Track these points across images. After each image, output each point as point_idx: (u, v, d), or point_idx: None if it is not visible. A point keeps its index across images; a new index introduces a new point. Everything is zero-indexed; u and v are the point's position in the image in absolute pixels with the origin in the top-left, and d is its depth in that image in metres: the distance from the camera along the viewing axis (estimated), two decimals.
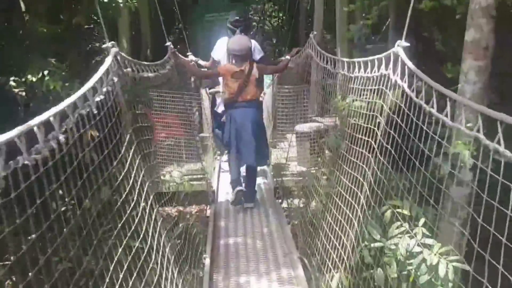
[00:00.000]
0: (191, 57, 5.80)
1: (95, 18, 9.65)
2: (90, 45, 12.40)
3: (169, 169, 6.28)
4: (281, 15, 16.72)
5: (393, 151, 2.41)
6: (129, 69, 2.91)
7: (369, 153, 2.71)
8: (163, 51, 6.28)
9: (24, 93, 4.40)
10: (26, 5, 4.94)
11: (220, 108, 5.71)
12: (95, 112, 2.03)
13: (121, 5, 4.95)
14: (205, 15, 11.68)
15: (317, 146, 6.41)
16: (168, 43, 4.64)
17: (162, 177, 5.97)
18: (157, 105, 5.99)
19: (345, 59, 3.31)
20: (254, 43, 5.60)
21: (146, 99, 5.00)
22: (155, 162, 6.27)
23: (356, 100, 3.09)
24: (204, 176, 6.27)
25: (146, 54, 6.43)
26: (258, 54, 5.73)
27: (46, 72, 4.26)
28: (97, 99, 2.08)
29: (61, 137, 1.62)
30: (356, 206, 2.85)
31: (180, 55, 5.18)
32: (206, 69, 5.78)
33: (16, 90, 4.31)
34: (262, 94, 6.26)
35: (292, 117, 6.96)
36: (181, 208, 5.94)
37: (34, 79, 4.09)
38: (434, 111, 1.95)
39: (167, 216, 5.70)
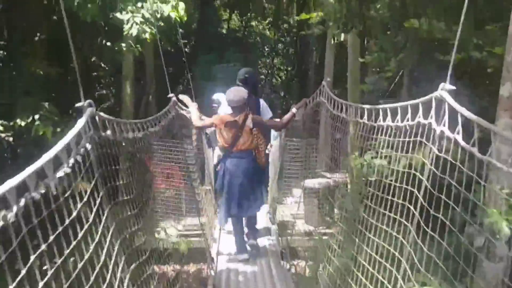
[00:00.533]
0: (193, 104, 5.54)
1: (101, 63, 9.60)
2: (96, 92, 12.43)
3: (166, 224, 5.89)
4: (289, 68, 16.71)
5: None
6: (108, 132, 2.37)
7: (405, 219, 2.26)
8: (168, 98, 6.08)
9: (11, 138, 4.08)
10: (24, 45, 4.73)
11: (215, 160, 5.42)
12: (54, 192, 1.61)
13: (124, 49, 4.72)
14: (215, 65, 11.59)
15: (326, 204, 6.00)
16: (171, 95, 4.37)
17: (156, 234, 5.57)
18: (158, 154, 5.67)
19: (367, 106, 2.93)
20: (262, 103, 5.40)
21: (144, 146, 4.74)
22: (150, 214, 5.95)
23: (382, 154, 2.69)
24: (204, 232, 5.82)
25: (148, 100, 6.16)
26: (266, 115, 5.43)
27: (36, 117, 3.95)
28: (59, 174, 1.66)
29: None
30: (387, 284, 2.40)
31: (182, 106, 4.88)
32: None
33: (3, 135, 3.99)
34: (268, 147, 5.91)
35: (300, 171, 6.58)
36: (178, 267, 5.47)
37: (23, 123, 3.77)
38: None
39: (162, 275, 5.24)
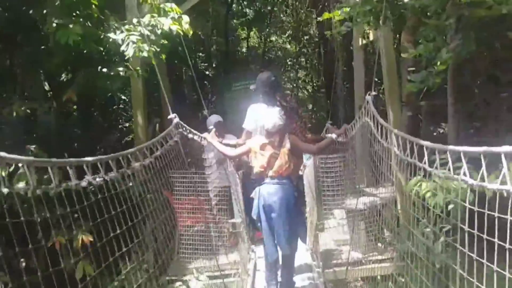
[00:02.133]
0: (212, 135, 4.91)
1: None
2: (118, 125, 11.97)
3: (195, 265, 5.24)
4: (315, 80, 16.06)
5: None
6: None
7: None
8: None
9: None
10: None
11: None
12: None
13: (122, 74, 4.13)
14: (233, 83, 11.05)
15: (375, 227, 5.23)
16: (171, 116, 3.78)
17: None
18: (178, 188, 5.06)
19: (426, 143, 2.14)
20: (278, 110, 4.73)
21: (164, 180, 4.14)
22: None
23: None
24: (238, 271, 5.14)
25: (154, 129, 5.52)
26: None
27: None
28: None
29: None
30: None
31: (191, 129, 4.26)
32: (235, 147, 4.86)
33: None
34: (301, 167, 5.21)
35: (339, 190, 5.82)
36: None
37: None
38: None
39: None
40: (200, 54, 14.91)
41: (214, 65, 15.66)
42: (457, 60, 3.37)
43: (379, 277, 5.22)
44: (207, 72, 15.11)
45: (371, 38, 6.62)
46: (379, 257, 5.16)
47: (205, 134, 4.62)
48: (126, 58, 4.40)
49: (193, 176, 4.95)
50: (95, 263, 2.86)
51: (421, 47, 3.60)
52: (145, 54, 4.08)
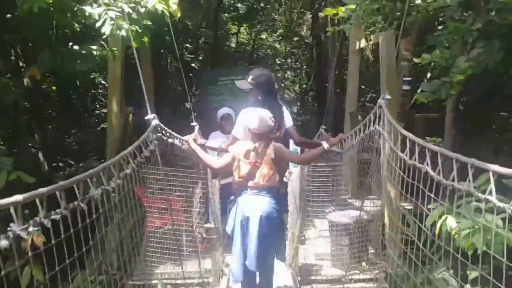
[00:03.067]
0: (195, 134, 4.38)
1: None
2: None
3: (162, 270, 4.79)
4: (303, 82, 15.73)
5: None
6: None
7: None
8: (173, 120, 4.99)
9: None
10: None
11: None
12: None
13: (96, 53, 3.64)
14: (219, 78, 10.59)
15: (360, 244, 4.86)
16: (149, 116, 3.22)
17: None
18: (152, 184, 4.60)
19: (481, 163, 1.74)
20: (284, 108, 4.25)
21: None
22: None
23: None
24: (209, 280, 4.72)
25: (127, 122, 4.97)
26: (289, 121, 4.34)
27: None
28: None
29: None
30: None
31: (171, 132, 3.73)
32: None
33: None
34: (286, 174, 4.80)
35: (324, 199, 5.44)
36: None
37: None
38: None
39: None
40: (188, 45, 14.44)
41: (200, 58, 15.20)
42: (477, 71, 3.01)
43: None
44: (193, 65, 14.65)
45: (371, 41, 6.26)
46: (362, 277, 4.79)
47: (187, 137, 4.02)
48: (104, 37, 3.91)
49: (167, 173, 4.51)
50: (47, 267, 2.42)
51: (436, 53, 3.22)
52: (123, 33, 3.58)
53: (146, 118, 3.11)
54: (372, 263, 4.86)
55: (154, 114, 3.17)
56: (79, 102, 11.26)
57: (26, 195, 1.70)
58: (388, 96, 2.98)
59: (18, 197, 1.65)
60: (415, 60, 3.53)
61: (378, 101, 3.05)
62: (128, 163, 2.44)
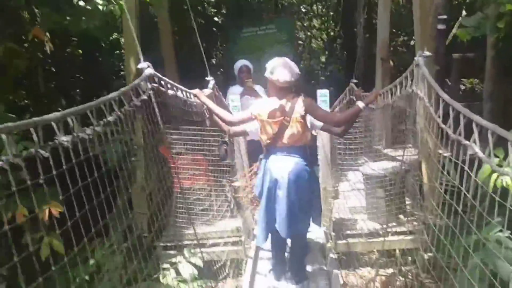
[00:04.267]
0: (208, 89, 4.05)
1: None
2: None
3: (192, 231, 4.71)
4: (330, 30, 15.11)
5: None
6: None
7: None
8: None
9: None
10: None
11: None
12: None
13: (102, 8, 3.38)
14: (243, 30, 10.22)
15: (396, 195, 4.63)
16: (143, 64, 2.82)
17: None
18: (174, 144, 4.45)
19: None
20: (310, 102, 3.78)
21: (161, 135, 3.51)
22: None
23: None
24: (241, 239, 4.62)
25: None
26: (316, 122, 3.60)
27: None
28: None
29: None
30: None
31: (172, 83, 3.32)
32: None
33: None
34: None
35: (357, 151, 5.19)
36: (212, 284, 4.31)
37: None
38: None
39: None
40: None
41: (223, 11, 14.75)
42: None
43: (397, 251, 4.70)
44: (216, 19, 14.24)
45: None
46: (400, 229, 4.59)
47: (195, 91, 3.66)
48: None
49: (191, 131, 4.35)
50: (65, 240, 2.32)
51: None
52: None
53: (138, 67, 2.83)
54: (410, 215, 4.63)
55: (147, 62, 2.86)
56: (105, 64, 11.17)
57: (17, 123, 1.55)
58: (427, 53, 2.62)
59: (9, 125, 1.50)
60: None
61: (416, 58, 2.69)
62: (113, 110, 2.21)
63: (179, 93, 3.40)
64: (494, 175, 1.65)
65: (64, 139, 1.78)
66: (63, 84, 8.68)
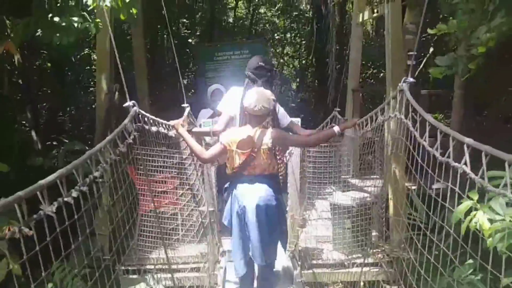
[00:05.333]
0: (184, 118, 4.04)
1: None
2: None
3: (157, 254, 4.59)
4: (303, 58, 15.36)
5: None
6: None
7: None
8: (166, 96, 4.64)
9: None
10: None
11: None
12: None
13: (76, 25, 3.32)
14: (216, 53, 10.25)
15: (363, 226, 4.65)
16: (128, 103, 2.74)
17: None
18: (142, 165, 4.35)
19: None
20: (278, 107, 3.94)
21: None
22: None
23: None
24: (205, 265, 4.52)
25: (111, 102, 4.63)
26: (284, 119, 4.03)
27: None
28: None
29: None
30: None
31: (154, 118, 3.25)
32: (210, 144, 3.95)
33: None
34: (286, 155, 4.53)
35: (326, 179, 5.20)
36: None
37: None
38: None
39: None
40: (185, 20, 14.05)
41: (198, 33, 14.83)
42: (498, 42, 2.73)
43: (361, 283, 4.69)
44: (190, 40, 14.28)
45: (376, 13, 5.94)
46: (365, 261, 4.59)
47: (174, 122, 3.61)
48: (88, 9, 3.61)
49: (161, 153, 4.26)
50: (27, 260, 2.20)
51: (453, 23, 2.91)
52: (107, 3, 3.27)
53: (124, 105, 2.76)
54: (376, 247, 4.66)
55: (133, 101, 2.78)
56: (74, 79, 10.98)
57: (28, 190, 1.51)
58: (411, 79, 2.67)
59: (20, 194, 1.48)
60: (429, 31, 3.22)
61: (400, 84, 2.74)
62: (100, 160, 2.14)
63: (161, 129, 3.35)
64: (469, 217, 1.66)
65: (49, 209, 1.72)
66: (30, 97, 8.47)
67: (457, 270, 2.20)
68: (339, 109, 5.51)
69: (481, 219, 1.58)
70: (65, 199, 1.76)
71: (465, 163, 1.67)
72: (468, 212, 1.67)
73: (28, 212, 1.64)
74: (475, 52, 2.78)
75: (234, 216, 3.40)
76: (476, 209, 1.64)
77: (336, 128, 3.40)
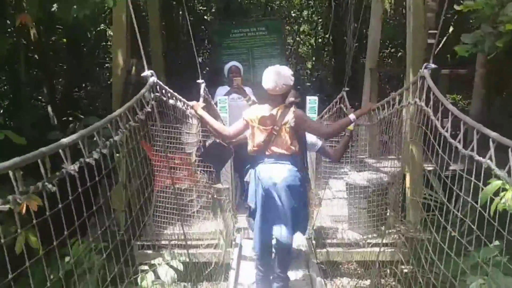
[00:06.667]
0: (202, 91, 3.99)
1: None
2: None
3: (172, 230, 4.61)
4: (320, 35, 15.13)
5: None
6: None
7: None
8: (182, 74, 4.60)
9: None
10: None
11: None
12: None
13: None
14: (232, 30, 10.12)
15: (378, 207, 4.61)
16: (147, 73, 2.69)
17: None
18: (158, 142, 4.34)
19: None
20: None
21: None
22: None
23: None
24: (220, 242, 4.54)
25: (129, 77, 4.63)
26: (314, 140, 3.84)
27: None
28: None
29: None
30: None
31: (172, 92, 3.21)
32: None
33: None
34: None
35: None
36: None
37: None
38: None
39: None
40: None
41: (213, 10, 14.66)
42: None
43: (377, 263, 4.67)
44: (205, 17, 14.14)
45: None
46: (380, 241, 4.57)
47: (193, 103, 3.58)
48: None
49: (176, 130, 4.25)
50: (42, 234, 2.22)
51: (480, 0, 2.81)
52: None
53: (142, 75, 2.73)
54: (391, 227, 4.62)
55: (151, 71, 2.77)
56: (90, 55, 10.98)
57: (24, 157, 1.47)
58: (432, 65, 2.58)
59: (16, 160, 1.41)
60: (456, 7, 3.12)
61: (420, 70, 2.65)
62: (119, 127, 2.12)
63: (178, 103, 3.31)
64: (497, 198, 1.61)
65: (72, 168, 1.71)
66: (46, 73, 8.50)
67: (482, 250, 2.16)
68: (347, 89, 5.41)
69: (511, 199, 1.53)
70: (87, 160, 1.75)
71: (490, 158, 1.60)
72: (495, 193, 1.63)
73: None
74: (502, 30, 2.69)
75: (259, 197, 3.38)
76: (505, 189, 1.60)
77: (352, 116, 3.37)
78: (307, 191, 3.64)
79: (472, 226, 1.64)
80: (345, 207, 5.02)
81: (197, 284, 3.83)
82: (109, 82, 11.12)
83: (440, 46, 8.84)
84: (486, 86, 4.92)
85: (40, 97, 9.02)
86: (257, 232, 3.50)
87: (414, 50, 4.57)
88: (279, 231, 3.35)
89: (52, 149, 1.59)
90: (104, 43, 11.34)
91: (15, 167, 1.43)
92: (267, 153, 3.35)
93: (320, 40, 14.97)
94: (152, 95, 2.68)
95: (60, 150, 1.66)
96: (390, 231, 4.65)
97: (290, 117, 3.28)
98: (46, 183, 1.58)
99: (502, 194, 1.60)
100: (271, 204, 3.31)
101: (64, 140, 1.67)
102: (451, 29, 9.19)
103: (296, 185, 3.31)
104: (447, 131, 2.03)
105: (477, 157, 1.65)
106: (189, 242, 4.50)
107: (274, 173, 3.30)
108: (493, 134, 1.59)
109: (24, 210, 2.64)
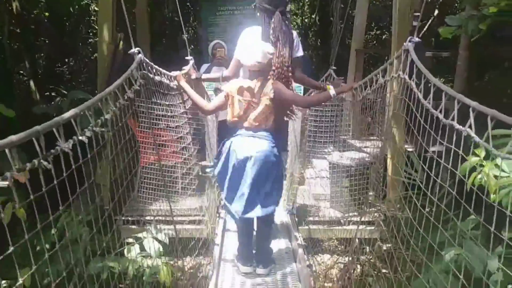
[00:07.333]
0: (189, 67, 3.98)
1: None
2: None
3: (157, 206, 4.66)
4: (307, 15, 15.09)
5: None
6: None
7: None
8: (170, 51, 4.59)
9: None
10: None
11: None
12: None
13: None
14: (218, 7, 10.04)
15: (360, 186, 4.71)
16: (134, 50, 2.71)
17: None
18: (144, 118, 4.35)
19: None
20: (295, 35, 3.68)
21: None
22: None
23: None
24: (205, 218, 4.61)
25: (115, 53, 4.59)
26: (298, 52, 3.74)
27: None
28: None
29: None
30: None
31: (158, 68, 3.22)
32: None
33: None
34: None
35: (325, 139, 5.22)
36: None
37: None
38: None
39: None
40: None
41: None
42: (510, 3, 2.69)
43: (356, 240, 4.80)
44: None
45: None
46: (361, 219, 4.69)
47: (176, 73, 3.59)
48: None
49: (162, 106, 4.25)
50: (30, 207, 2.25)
51: None
52: None
53: (129, 52, 2.74)
54: (372, 206, 4.74)
55: (138, 48, 2.77)
56: (73, 30, 10.80)
57: (22, 135, 1.51)
58: (416, 39, 2.62)
59: (12, 138, 1.44)
60: None
61: (404, 44, 2.69)
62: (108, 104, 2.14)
63: (164, 79, 3.33)
64: (475, 173, 1.69)
65: (66, 145, 1.74)
66: (27, 47, 8.36)
67: (461, 223, 2.26)
68: (335, 67, 5.44)
69: (487, 174, 1.60)
70: (80, 137, 1.79)
71: (470, 126, 1.66)
72: (472, 169, 1.70)
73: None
74: (486, 12, 2.75)
75: (230, 170, 3.40)
76: (482, 166, 1.68)
77: (332, 92, 3.34)
78: (281, 168, 3.65)
79: (445, 208, 1.71)
80: (327, 186, 5.12)
81: (182, 259, 3.90)
82: (92, 58, 10.99)
83: (425, 29, 8.93)
84: (468, 68, 5.01)
85: (21, 72, 8.89)
86: (228, 206, 3.52)
87: (400, 31, 4.63)
88: (249, 204, 3.36)
89: (46, 127, 1.62)
90: (87, 18, 11.16)
91: (11, 145, 1.47)
92: (245, 125, 3.37)
93: (306, 20, 14.91)
94: (140, 73, 2.69)
95: (54, 129, 1.70)
96: (371, 209, 4.78)
97: (268, 88, 3.31)
98: (42, 161, 1.63)
99: (478, 170, 1.67)
100: (245, 176, 3.33)
101: (58, 119, 1.70)
102: (436, 12, 9.27)
103: (271, 160, 3.34)
104: (429, 103, 2.10)
105: (457, 126, 1.70)
106: (174, 218, 4.57)
107: (249, 145, 3.32)
108: (473, 103, 1.64)
109: (11, 183, 2.67)
